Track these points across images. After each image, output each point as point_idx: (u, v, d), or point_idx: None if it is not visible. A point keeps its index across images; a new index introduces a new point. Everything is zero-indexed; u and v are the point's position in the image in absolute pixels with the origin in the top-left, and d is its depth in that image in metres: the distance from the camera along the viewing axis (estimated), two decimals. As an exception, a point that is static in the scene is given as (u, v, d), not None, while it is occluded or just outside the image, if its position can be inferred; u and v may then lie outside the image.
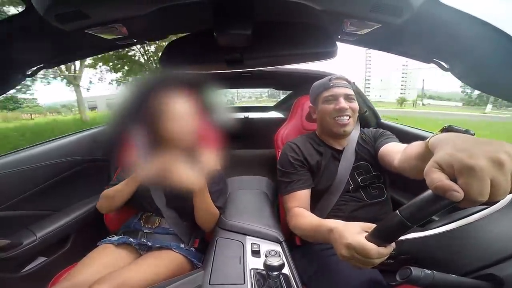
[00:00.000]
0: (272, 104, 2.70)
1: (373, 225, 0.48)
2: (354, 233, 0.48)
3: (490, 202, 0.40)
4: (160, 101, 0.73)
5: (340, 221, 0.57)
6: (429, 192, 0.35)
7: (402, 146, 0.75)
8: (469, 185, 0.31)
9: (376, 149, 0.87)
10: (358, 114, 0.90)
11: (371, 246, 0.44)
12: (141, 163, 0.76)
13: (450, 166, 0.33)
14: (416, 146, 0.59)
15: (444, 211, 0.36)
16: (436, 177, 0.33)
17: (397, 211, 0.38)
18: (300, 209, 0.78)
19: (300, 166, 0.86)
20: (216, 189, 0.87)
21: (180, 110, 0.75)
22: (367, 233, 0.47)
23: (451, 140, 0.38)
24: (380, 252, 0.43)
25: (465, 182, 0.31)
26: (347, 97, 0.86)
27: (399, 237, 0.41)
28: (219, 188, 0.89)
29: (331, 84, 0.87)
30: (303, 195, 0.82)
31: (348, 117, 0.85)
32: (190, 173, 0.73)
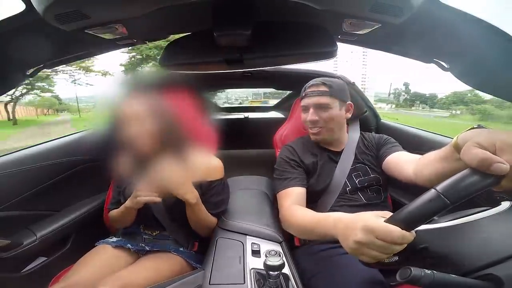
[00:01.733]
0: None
1: (388, 212, 0.46)
2: (371, 217, 0.45)
3: None
4: (120, 105, 0.68)
5: (346, 213, 0.54)
6: (467, 170, 0.34)
7: (411, 155, 0.76)
8: None
9: (381, 156, 0.87)
10: (357, 115, 0.90)
11: (395, 228, 0.40)
12: (132, 185, 0.74)
13: (491, 145, 0.33)
14: (438, 150, 0.59)
15: (443, 212, 0.36)
16: (479, 151, 0.33)
17: (433, 188, 0.35)
18: (296, 206, 0.76)
19: (296, 165, 0.87)
20: (218, 199, 0.85)
21: (132, 114, 0.67)
22: (384, 218, 0.43)
23: (487, 129, 0.39)
24: (405, 235, 0.39)
25: (508, 159, 0.31)
26: (319, 107, 0.85)
27: (430, 218, 0.37)
28: (221, 198, 0.86)
29: (304, 94, 0.89)
30: (298, 192, 0.81)
31: (318, 128, 0.86)
32: (187, 183, 0.73)
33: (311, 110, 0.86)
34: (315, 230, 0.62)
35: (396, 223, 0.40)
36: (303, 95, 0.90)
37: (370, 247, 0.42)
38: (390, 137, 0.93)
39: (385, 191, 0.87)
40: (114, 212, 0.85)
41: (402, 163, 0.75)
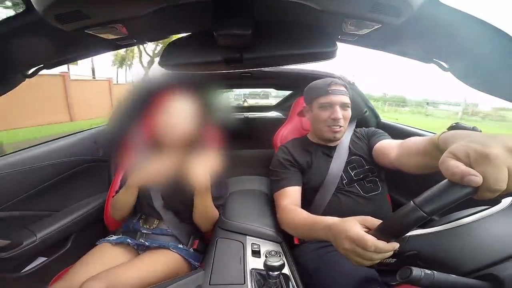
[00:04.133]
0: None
1: (370, 218, 0.48)
2: (352, 225, 0.48)
3: (507, 194, 0.39)
4: (158, 101, 0.74)
5: (336, 218, 0.57)
6: (445, 181, 0.34)
7: (397, 142, 0.77)
8: (485, 173, 0.31)
9: (370, 146, 0.90)
10: (357, 115, 0.92)
11: (368, 237, 0.43)
12: (136, 167, 0.78)
13: (466, 156, 0.33)
14: (419, 142, 0.60)
15: (444, 211, 0.36)
16: (453, 164, 0.33)
17: (411, 201, 0.37)
18: (292, 206, 0.78)
19: (289, 165, 0.89)
20: (216, 191, 0.86)
21: (176, 109, 0.75)
22: (367, 227, 0.47)
23: (465, 134, 0.39)
24: (377, 245, 0.42)
25: (481, 170, 0.31)
26: (343, 106, 0.87)
27: (410, 230, 0.39)
28: (219, 194, 0.88)
29: (330, 91, 0.87)
30: (293, 192, 0.84)
31: (340, 126, 0.87)
32: (201, 170, 0.74)
33: (337, 108, 0.86)
34: (311, 234, 0.65)
35: (376, 233, 0.43)
36: (327, 92, 0.87)
37: (354, 254, 0.46)
38: (379, 129, 0.95)
39: (382, 182, 0.89)
40: (114, 198, 0.87)
41: (386, 149, 0.79)
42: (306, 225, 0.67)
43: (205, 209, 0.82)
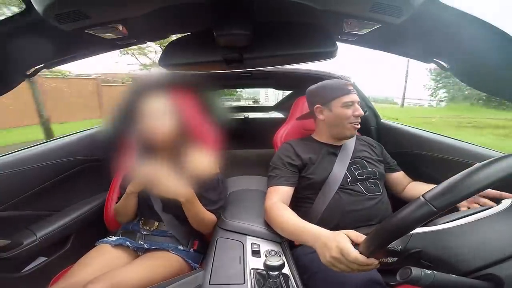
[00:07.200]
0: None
1: (354, 232, 0.53)
2: (343, 238, 0.53)
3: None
4: (141, 102, 0.74)
5: (325, 229, 0.61)
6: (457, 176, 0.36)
7: (406, 179, 1.00)
8: None
9: (384, 164, 0.99)
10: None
11: (352, 250, 0.49)
12: (132, 173, 0.78)
13: None
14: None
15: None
16: None
17: (421, 196, 0.37)
18: (281, 204, 0.80)
19: (289, 164, 0.91)
20: (214, 195, 0.86)
21: (156, 109, 0.73)
22: (352, 240, 0.52)
23: None
24: (357, 258, 0.48)
25: None
26: (358, 104, 0.95)
27: (416, 227, 0.39)
28: (216, 194, 0.87)
29: (351, 90, 0.93)
30: (284, 191, 0.87)
31: (358, 122, 0.94)
32: (175, 183, 0.74)
33: (357, 105, 0.92)
34: (295, 236, 0.69)
35: (362, 248, 0.48)
36: (349, 91, 0.92)
37: (341, 263, 0.52)
38: (384, 149, 1.06)
39: (383, 184, 0.93)
40: (117, 205, 0.88)
41: (400, 184, 0.98)
42: (293, 227, 0.69)
43: (195, 216, 0.82)
